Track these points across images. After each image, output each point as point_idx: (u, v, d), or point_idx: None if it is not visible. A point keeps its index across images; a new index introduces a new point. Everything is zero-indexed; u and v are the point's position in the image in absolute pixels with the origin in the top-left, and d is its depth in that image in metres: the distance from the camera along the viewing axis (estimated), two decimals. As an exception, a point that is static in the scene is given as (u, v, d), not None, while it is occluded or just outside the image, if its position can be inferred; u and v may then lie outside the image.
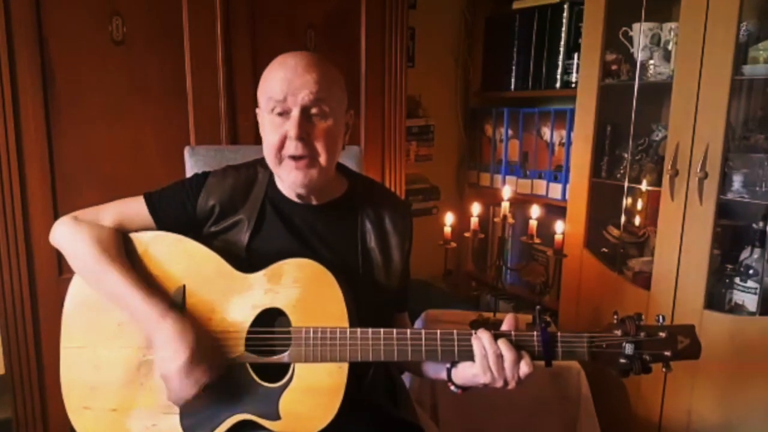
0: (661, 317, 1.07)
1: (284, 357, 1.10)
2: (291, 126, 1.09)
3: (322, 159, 1.12)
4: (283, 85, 1.09)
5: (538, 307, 1.10)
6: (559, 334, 1.06)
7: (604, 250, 2.17)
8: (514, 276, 2.63)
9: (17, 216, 1.59)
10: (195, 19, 1.78)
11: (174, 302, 1.12)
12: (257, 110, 1.20)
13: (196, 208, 1.19)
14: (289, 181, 1.14)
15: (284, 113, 1.10)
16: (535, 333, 1.06)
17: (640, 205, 2.12)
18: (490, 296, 2.68)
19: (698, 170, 1.73)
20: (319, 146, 1.11)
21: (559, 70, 2.42)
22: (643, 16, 1.93)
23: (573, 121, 2.23)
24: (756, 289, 1.74)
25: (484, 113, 2.80)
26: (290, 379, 1.10)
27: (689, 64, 1.75)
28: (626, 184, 2.03)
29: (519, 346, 1.04)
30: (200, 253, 1.15)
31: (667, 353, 1.04)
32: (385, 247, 1.23)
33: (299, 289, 1.11)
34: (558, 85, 2.43)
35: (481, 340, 1.04)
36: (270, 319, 1.12)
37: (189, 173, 1.56)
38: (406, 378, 1.80)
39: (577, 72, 2.22)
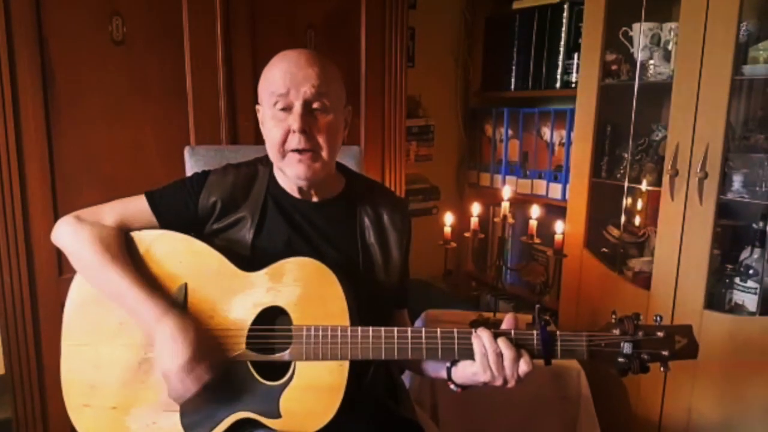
0: (658, 317, 1.08)
1: (285, 355, 1.10)
2: (294, 119, 1.10)
3: (325, 153, 1.13)
4: (285, 79, 1.10)
5: (537, 305, 1.10)
6: (558, 333, 1.07)
7: (604, 250, 2.17)
8: (514, 276, 2.63)
9: (17, 216, 1.59)
10: (195, 19, 1.78)
11: (175, 301, 1.12)
12: (257, 107, 1.21)
13: (198, 206, 1.20)
14: (292, 174, 1.15)
15: (287, 108, 1.12)
16: (534, 332, 1.06)
17: (640, 205, 2.12)
18: (490, 296, 2.68)
19: (698, 170, 1.73)
20: (322, 140, 1.12)
21: (559, 70, 2.42)
22: (643, 16, 1.93)
23: (573, 121, 2.23)
24: (756, 289, 1.74)
25: (484, 113, 2.80)
26: (291, 377, 1.10)
27: (689, 64, 1.75)
28: (626, 184, 2.03)
29: (519, 345, 1.05)
30: (202, 252, 1.15)
31: (665, 353, 1.05)
32: (384, 244, 1.24)
33: (301, 287, 1.11)
34: (558, 85, 2.43)
35: (481, 338, 1.05)
36: (271, 317, 1.12)
37: (189, 173, 1.55)
38: (406, 377, 1.80)
39: (577, 72, 2.21)
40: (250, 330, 1.11)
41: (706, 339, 1.73)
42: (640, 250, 2.14)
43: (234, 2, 1.83)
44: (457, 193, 2.94)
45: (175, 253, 1.16)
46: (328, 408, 1.08)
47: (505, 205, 1.99)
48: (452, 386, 1.15)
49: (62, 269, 1.66)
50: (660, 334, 1.05)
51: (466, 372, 1.10)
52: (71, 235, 1.15)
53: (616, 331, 1.06)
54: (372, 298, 1.18)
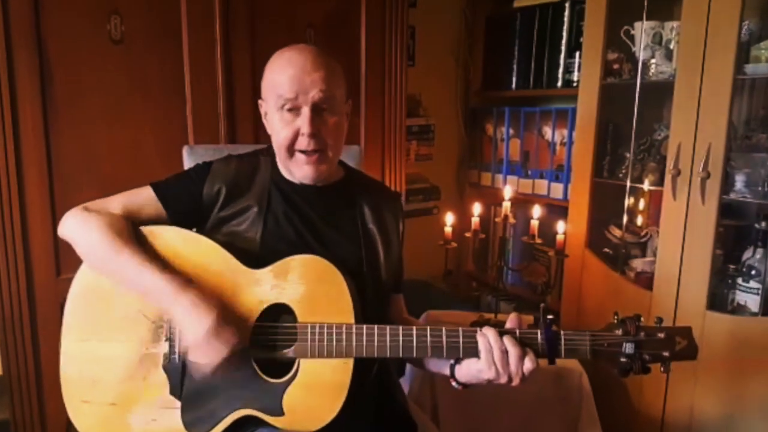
0: (658, 319, 1.09)
1: (289, 352, 1.10)
2: (304, 123, 1.13)
3: (332, 152, 1.19)
4: (293, 84, 1.13)
5: (542, 305, 1.11)
6: (562, 332, 1.08)
7: (606, 250, 2.16)
8: (515, 276, 2.63)
9: (15, 216, 1.58)
10: (194, 19, 1.77)
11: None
12: (260, 101, 1.24)
13: (203, 194, 1.21)
14: (300, 174, 1.19)
15: (294, 109, 1.15)
16: (539, 331, 1.07)
17: (642, 204, 2.11)
18: (491, 297, 2.67)
19: (700, 170, 1.72)
20: (330, 140, 1.17)
21: (561, 69, 2.41)
22: (645, 15, 1.92)
23: (574, 121, 2.22)
24: (758, 289, 1.73)
25: (484, 112, 2.79)
26: (294, 374, 1.10)
27: (691, 63, 1.74)
28: (628, 184, 2.03)
29: (523, 343, 1.06)
30: (208, 249, 1.15)
31: (666, 353, 1.06)
32: (383, 228, 1.27)
33: (305, 285, 1.12)
34: (559, 84, 2.42)
35: (487, 336, 1.06)
36: (276, 316, 1.12)
37: (188, 173, 1.55)
38: (407, 377, 1.80)
39: (579, 71, 2.21)
40: (254, 327, 1.11)
41: (709, 340, 1.72)
42: (642, 250, 2.14)
43: (233, 1, 1.82)
44: (457, 193, 2.93)
45: (180, 248, 1.15)
46: (332, 406, 1.08)
47: (506, 205, 1.98)
48: (454, 384, 1.15)
49: (60, 270, 1.65)
50: (661, 335, 1.06)
51: (470, 369, 1.10)
52: (80, 225, 1.15)
53: (618, 332, 1.07)
54: (373, 281, 1.20)
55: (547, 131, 2.49)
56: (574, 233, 2.15)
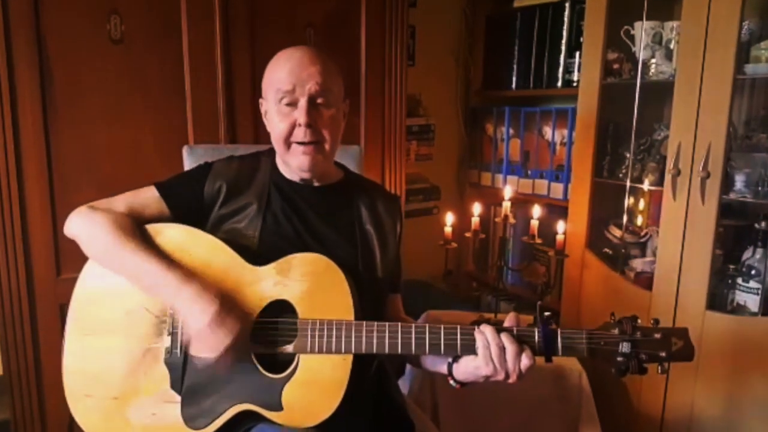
0: (654, 320, 1.09)
1: (289, 348, 1.11)
2: (300, 114, 1.16)
3: (328, 144, 1.20)
4: (291, 77, 1.16)
5: (539, 303, 1.12)
6: (559, 329, 1.08)
7: (606, 250, 2.16)
8: (515, 276, 2.63)
9: (15, 216, 1.59)
10: (194, 18, 1.77)
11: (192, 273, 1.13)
12: (261, 101, 1.27)
13: (204, 192, 1.23)
14: (296, 164, 1.20)
15: (292, 103, 1.17)
16: (536, 329, 1.08)
17: (642, 204, 2.11)
18: (491, 297, 2.67)
19: (700, 170, 1.72)
20: (326, 132, 1.19)
21: (561, 69, 2.41)
22: (645, 15, 1.92)
23: (574, 120, 2.22)
24: (758, 289, 1.73)
25: (485, 112, 2.79)
26: (294, 370, 1.11)
27: (691, 63, 1.74)
28: (628, 184, 2.02)
29: (521, 341, 1.07)
30: (211, 245, 1.17)
31: (663, 354, 1.07)
32: (380, 229, 1.29)
33: (308, 282, 1.13)
34: (559, 84, 2.42)
35: (484, 333, 1.07)
36: (277, 312, 1.13)
37: (188, 172, 1.56)
38: (407, 377, 1.80)
39: (579, 71, 2.20)
40: (255, 322, 1.12)
41: (709, 340, 1.73)
42: (642, 250, 2.14)
43: (233, 1, 1.82)
44: (457, 193, 2.93)
45: (184, 245, 1.17)
46: (330, 402, 1.09)
47: (507, 205, 1.98)
48: (452, 382, 1.16)
49: (60, 269, 1.65)
50: (657, 335, 1.07)
51: (468, 366, 1.11)
52: (86, 222, 1.17)
53: (615, 331, 1.08)
54: (369, 281, 1.21)
55: (547, 131, 2.49)
56: (574, 233, 2.15)
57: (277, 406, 1.10)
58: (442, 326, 1.10)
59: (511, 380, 1.06)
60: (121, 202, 1.20)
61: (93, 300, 1.18)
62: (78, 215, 1.19)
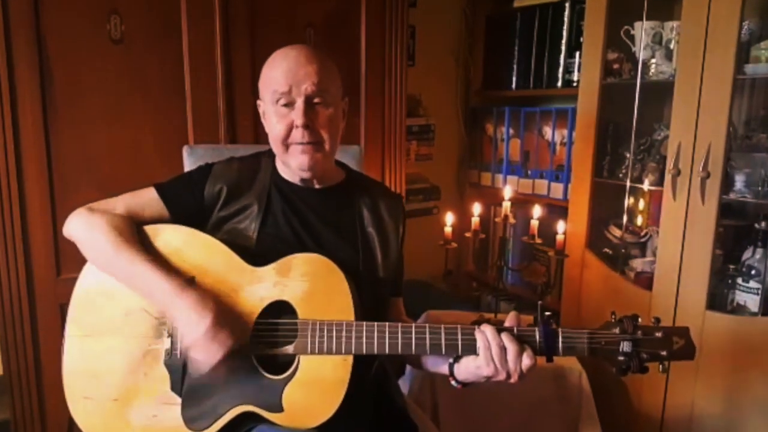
0: (655, 319, 1.09)
1: (289, 348, 1.11)
2: (297, 115, 1.14)
3: (327, 144, 1.18)
4: (287, 77, 1.14)
5: (540, 302, 1.11)
6: (560, 329, 1.08)
7: (606, 250, 2.16)
8: (515, 276, 2.63)
9: (15, 216, 1.58)
10: (194, 18, 1.77)
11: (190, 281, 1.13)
12: (258, 102, 1.25)
13: (204, 194, 1.23)
14: (295, 164, 1.19)
15: (289, 104, 1.16)
16: (537, 328, 1.07)
17: (642, 204, 2.11)
18: (491, 297, 2.67)
19: (700, 170, 1.72)
20: (324, 132, 1.17)
21: (561, 69, 2.41)
22: (645, 15, 1.92)
23: (574, 121, 2.22)
24: (758, 289, 1.73)
25: (485, 112, 2.78)
26: (294, 371, 1.11)
27: (691, 63, 1.74)
28: (628, 184, 2.03)
29: (521, 340, 1.06)
30: (210, 246, 1.17)
31: (664, 353, 1.06)
32: (382, 231, 1.28)
33: (308, 282, 1.13)
34: (559, 84, 2.42)
35: (485, 333, 1.07)
36: (277, 313, 1.13)
37: (188, 172, 1.55)
38: (407, 377, 1.80)
39: (579, 71, 2.20)
40: (255, 323, 1.12)
41: (709, 340, 1.73)
42: (642, 250, 2.14)
43: (233, 1, 1.82)
44: (457, 193, 2.93)
45: (183, 246, 1.16)
46: (331, 403, 1.09)
47: (507, 205, 1.98)
48: (453, 382, 1.15)
49: (60, 270, 1.65)
50: (658, 334, 1.07)
51: (468, 367, 1.10)
52: (84, 224, 1.17)
53: (616, 330, 1.07)
54: (370, 284, 1.21)
55: (547, 131, 2.48)
56: (574, 233, 2.15)
57: (278, 407, 1.10)
58: (443, 326, 1.09)
59: (512, 380, 1.06)
60: (121, 203, 1.19)
61: (92, 301, 1.17)
62: (77, 217, 1.18)
